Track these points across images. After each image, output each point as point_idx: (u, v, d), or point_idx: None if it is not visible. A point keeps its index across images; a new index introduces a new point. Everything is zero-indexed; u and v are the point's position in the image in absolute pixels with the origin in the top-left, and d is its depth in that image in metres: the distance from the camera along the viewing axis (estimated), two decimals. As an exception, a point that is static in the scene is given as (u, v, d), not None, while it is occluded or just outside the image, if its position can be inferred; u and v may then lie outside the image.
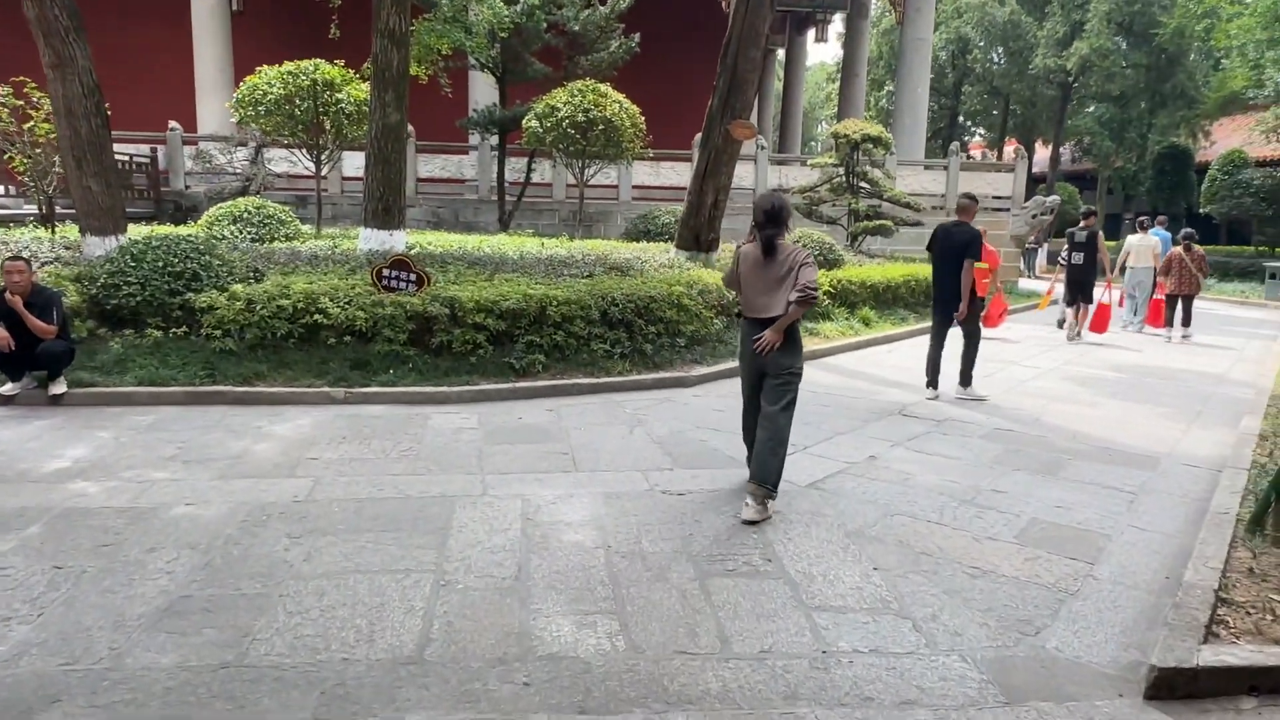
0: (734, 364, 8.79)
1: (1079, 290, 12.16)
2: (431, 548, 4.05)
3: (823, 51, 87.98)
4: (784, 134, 32.11)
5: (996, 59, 31.70)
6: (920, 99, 21.57)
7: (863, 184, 16.03)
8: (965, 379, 7.97)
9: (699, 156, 11.35)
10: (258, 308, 7.37)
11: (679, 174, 19.49)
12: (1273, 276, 18.96)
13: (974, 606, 3.62)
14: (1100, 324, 12.39)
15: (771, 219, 4.58)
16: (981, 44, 30.84)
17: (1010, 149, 33.22)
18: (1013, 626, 3.45)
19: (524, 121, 14.73)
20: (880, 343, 11.37)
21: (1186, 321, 12.89)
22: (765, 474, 4.54)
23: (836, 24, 34.48)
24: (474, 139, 19.28)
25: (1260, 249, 23.89)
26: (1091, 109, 31.06)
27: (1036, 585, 3.84)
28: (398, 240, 10.10)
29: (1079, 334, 12.13)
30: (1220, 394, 8.55)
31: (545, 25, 15.69)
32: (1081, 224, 12.68)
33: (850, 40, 26.21)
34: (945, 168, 20.20)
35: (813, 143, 53.34)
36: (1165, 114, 28.25)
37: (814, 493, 5.06)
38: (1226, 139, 29.02)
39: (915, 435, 6.47)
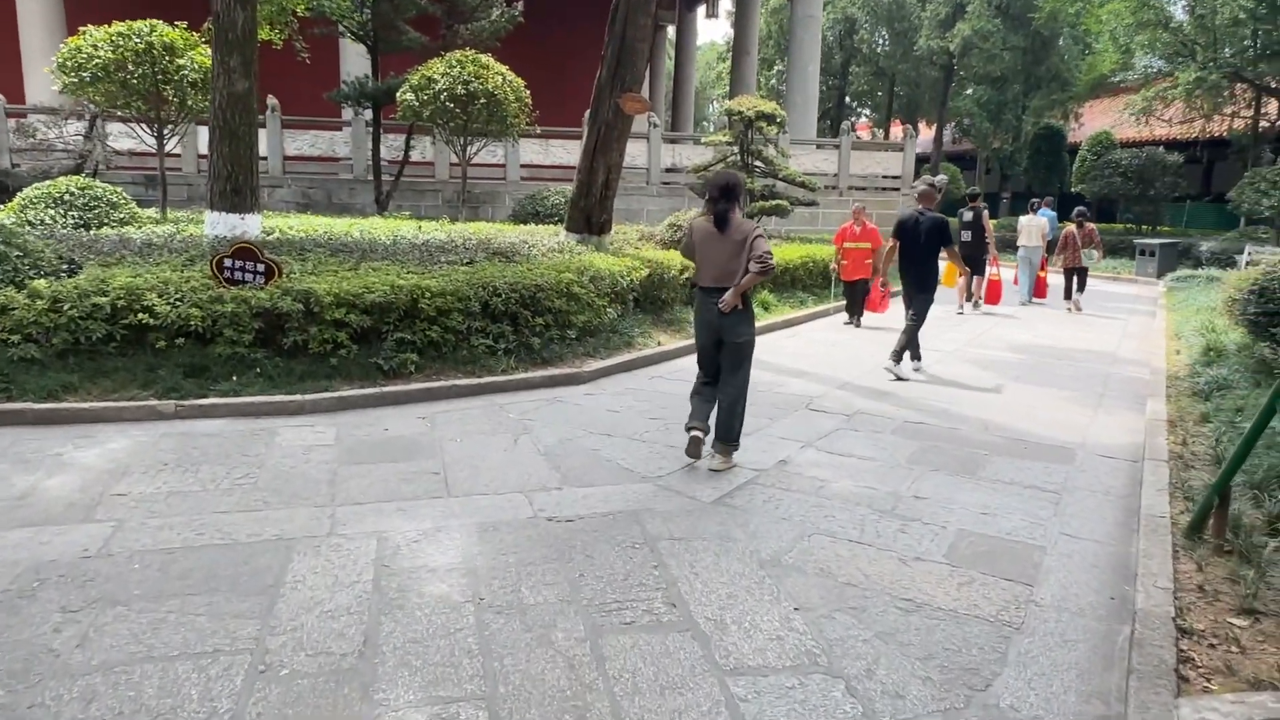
0: (629, 356, 8.18)
1: (973, 264, 12.91)
2: (254, 616, 3.23)
3: (713, 30, 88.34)
4: (676, 113, 31.63)
5: (882, 40, 32.13)
6: (811, 77, 21.42)
7: (758, 163, 15.65)
8: (897, 357, 8.01)
9: (588, 132, 10.61)
10: (66, 307, 6.20)
11: (570, 152, 18.69)
12: (1142, 253, 19.78)
13: (912, 654, 3.09)
14: (993, 296, 13.09)
15: (725, 194, 4.93)
16: (868, 24, 31.16)
17: (897, 130, 33.84)
18: (959, 679, 2.94)
19: (398, 94, 13.60)
20: (780, 328, 10.97)
21: (1081, 289, 13.77)
22: (730, 434, 5.13)
23: (726, 3, 34.22)
24: (348, 114, 17.91)
25: (1128, 226, 25.04)
26: (970, 91, 31.94)
27: (977, 620, 3.35)
28: (251, 225, 8.95)
29: (976, 302, 13.10)
30: (1117, 374, 8.50)
31: (419, -10, 14.56)
32: (969, 204, 13.34)
33: (740, 17, 25.87)
34: (837, 147, 20.13)
35: (705, 123, 53.25)
36: (1039, 96, 29.22)
37: (722, 510, 4.47)
38: (1095, 121, 30.34)
39: (825, 433, 5.99)
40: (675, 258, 10.58)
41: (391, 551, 3.83)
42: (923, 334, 10.22)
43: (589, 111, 10.61)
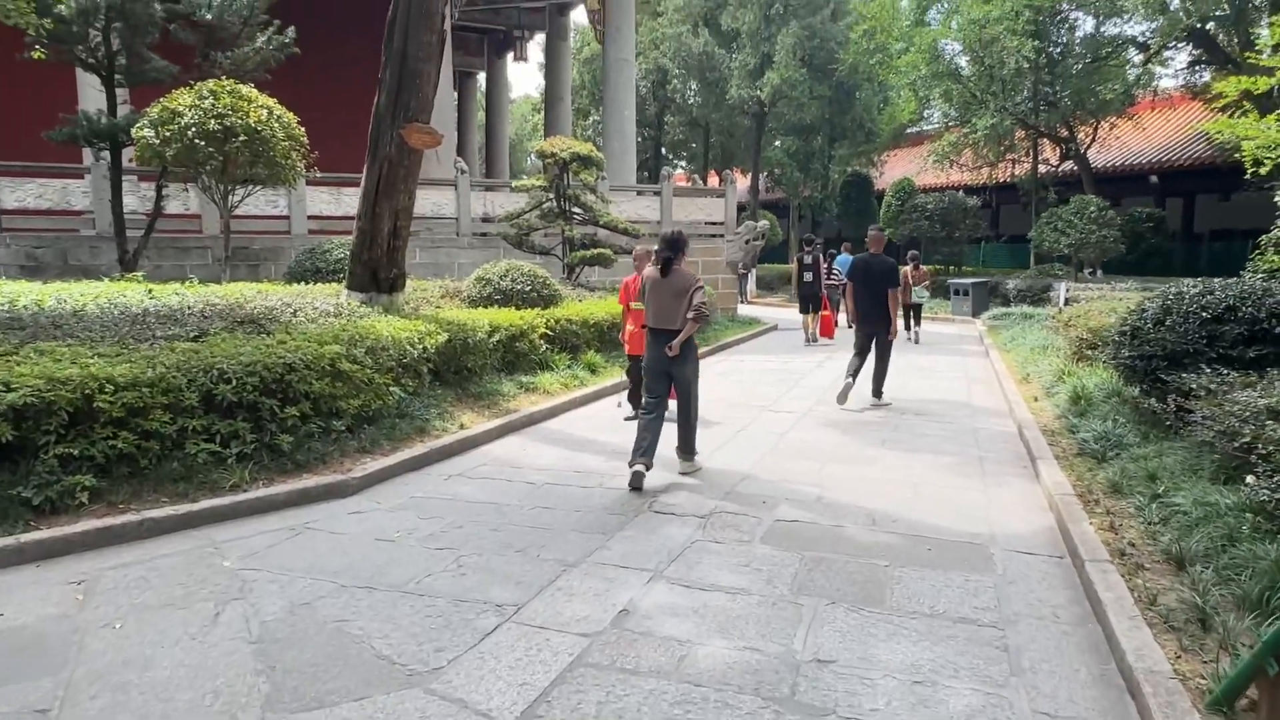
0: (421, 449, 6.38)
1: (811, 303, 14.74)
2: None
3: (527, 82, 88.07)
4: (490, 163, 30.12)
5: (694, 90, 32.28)
6: (627, 121, 20.58)
7: (576, 209, 14.29)
8: (878, 391, 8.72)
9: (368, 172, 8.76)
10: None
11: (365, 201, 16.59)
12: (956, 293, 20.23)
13: None
14: (827, 330, 14.88)
15: (670, 246, 5.80)
16: (680, 74, 31.18)
17: (714, 180, 34.03)
18: None
19: (134, 130, 11.12)
20: (610, 392, 9.47)
21: (918, 322, 15.45)
22: (689, 449, 6.05)
23: (538, 54, 33.32)
24: (89, 159, 14.93)
25: (936, 267, 25.93)
26: (779, 142, 32.67)
27: None
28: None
29: (814, 338, 14.74)
30: (985, 429, 7.61)
31: (164, 13, 12.17)
32: (806, 249, 15.10)
33: (551, 64, 24.87)
34: (658, 193, 19.25)
35: (522, 175, 52.10)
36: (845, 145, 30.22)
37: (533, 733, 2.77)
38: (896, 168, 31.78)
39: (678, 551, 4.44)
40: (483, 318, 8.87)
41: None
42: (769, 394, 9.10)
43: (368, 147, 8.78)
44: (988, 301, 19.99)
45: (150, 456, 5.11)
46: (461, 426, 7.10)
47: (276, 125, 11.11)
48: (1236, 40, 21.19)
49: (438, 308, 10.06)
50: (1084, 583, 3.95)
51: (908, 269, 14.48)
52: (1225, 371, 5.64)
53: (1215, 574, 3.66)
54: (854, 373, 8.66)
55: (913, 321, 15.09)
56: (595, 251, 13.42)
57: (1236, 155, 19.56)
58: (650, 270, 5.93)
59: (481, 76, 32.89)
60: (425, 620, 3.58)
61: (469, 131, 33.85)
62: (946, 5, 22.04)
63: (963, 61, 22.58)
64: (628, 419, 7.61)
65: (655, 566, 4.21)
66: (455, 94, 32.51)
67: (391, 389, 6.75)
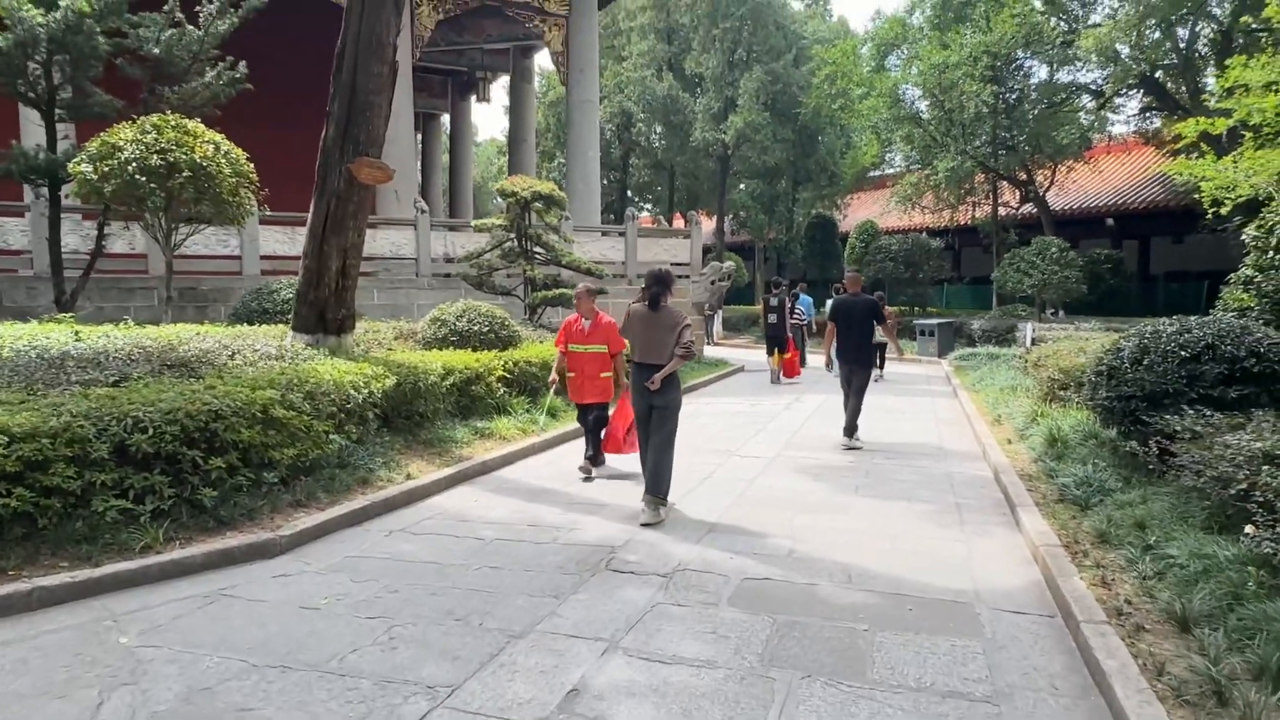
0: (361, 502, 5.91)
1: (777, 343, 14.85)
2: None
3: (493, 125, 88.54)
4: (454, 205, 29.82)
5: (659, 134, 32.43)
6: (592, 162, 20.43)
7: (538, 249, 13.98)
8: (849, 432, 8.56)
9: (315, 207, 8.35)
10: None
11: (321, 241, 16.15)
12: (922, 333, 20.20)
13: None
14: (791, 370, 15.04)
15: (657, 281, 5.94)
16: (644, 118, 31.32)
17: (680, 222, 34.07)
18: None
19: (70, 166, 10.62)
20: (573, 437, 9.05)
21: (881, 364, 15.26)
22: (659, 487, 5.75)
23: (503, 96, 33.28)
24: (30, 196, 14.34)
25: (902, 309, 25.99)
26: (743, 185, 32.89)
27: None
28: None
29: (779, 378, 14.74)
30: (960, 474, 7.31)
31: (109, 47, 11.76)
32: (774, 292, 15.25)
33: (515, 106, 24.77)
34: (623, 234, 19.05)
35: (487, 216, 51.86)
36: (808, 189, 30.48)
37: None
38: (859, 211, 32.10)
39: (637, 616, 4.02)
40: (436, 360, 8.45)
41: None
42: (736, 438, 8.77)
43: (315, 182, 8.38)
44: (953, 342, 19.97)
45: (50, 515, 4.59)
46: (409, 476, 6.62)
47: (223, 161, 10.68)
48: (1185, 88, 21.77)
49: (390, 350, 9.62)
50: (1081, 647, 3.59)
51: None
52: (1209, 412, 5.41)
53: (1225, 638, 3.33)
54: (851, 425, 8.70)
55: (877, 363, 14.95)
56: (557, 292, 13.08)
57: (1194, 196, 19.90)
58: (639, 306, 5.99)
59: (446, 119, 32.74)
60: (343, 708, 3.11)
61: (433, 173, 33.60)
62: (906, 52, 22.39)
63: (923, 106, 22.92)
64: (585, 479, 7.09)
65: (611, 635, 3.78)
66: (420, 135, 32.33)
67: (332, 437, 6.27)
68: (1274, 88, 10.61)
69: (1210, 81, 22.53)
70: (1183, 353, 5.92)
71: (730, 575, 4.61)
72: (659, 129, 31.77)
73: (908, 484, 6.91)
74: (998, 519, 5.83)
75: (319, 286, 8.51)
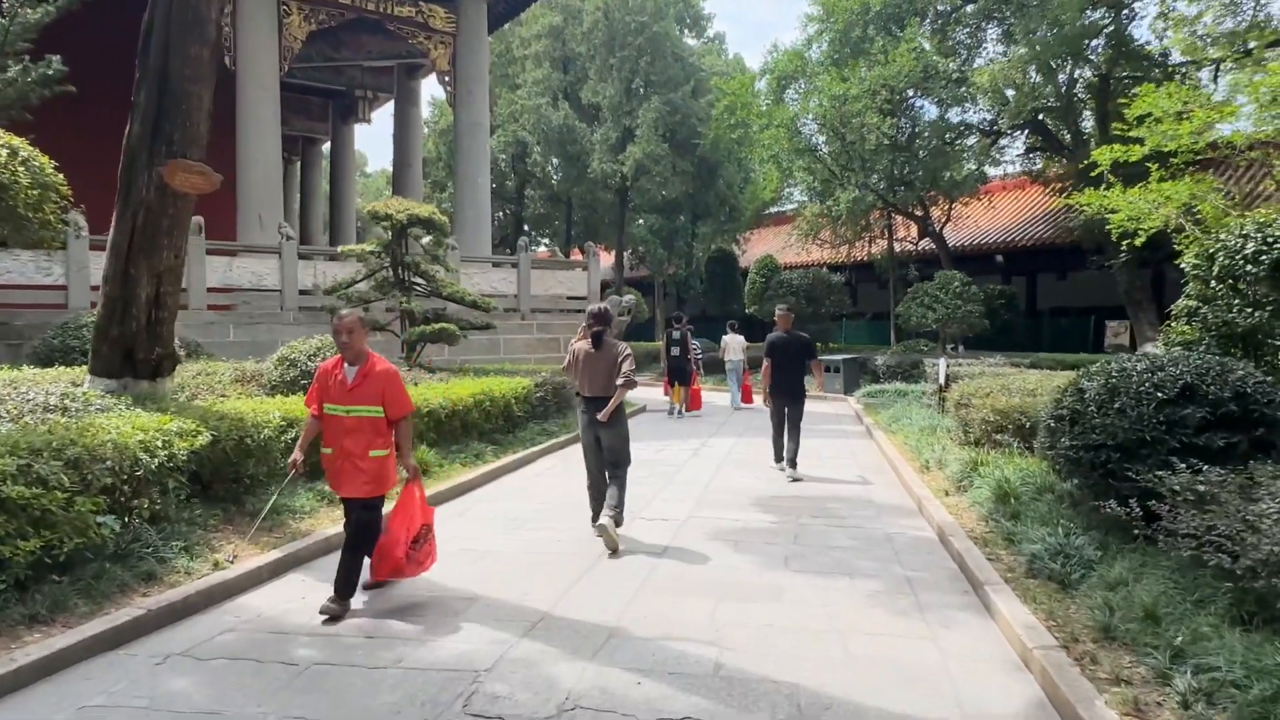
0: (135, 612, 4.31)
1: (680, 376, 15.07)
2: None
3: (383, 157, 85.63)
4: (335, 235, 27.78)
5: (556, 165, 31.37)
6: (481, 189, 19.10)
7: (417, 280, 12.51)
8: (793, 461, 8.68)
9: (117, 222, 6.71)
10: None
11: (165, 270, 14.15)
12: (827, 370, 19.61)
13: None
14: (695, 403, 15.27)
15: (598, 319, 6.08)
16: (540, 148, 30.21)
17: (578, 257, 32.99)
18: None
19: None
20: (448, 497, 7.62)
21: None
22: (618, 507, 6.04)
23: (390, 122, 31.50)
24: None
25: (813, 346, 25.53)
26: (642, 220, 32.15)
27: None
28: None
29: (681, 411, 14.87)
30: (900, 536, 6.28)
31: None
32: (675, 326, 15.51)
33: (401, 129, 23.20)
34: (515, 265, 17.73)
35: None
36: (708, 223, 29.99)
37: None
38: (758, 247, 31.80)
39: (503, 805, 2.69)
40: (274, 408, 6.89)
41: None
42: (640, 495, 7.50)
43: (118, 190, 6.75)
44: (859, 378, 19.45)
45: None
46: (216, 565, 5.06)
47: (21, 170, 8.84)
48: (1067, 130, 22.33)
49: (224, 396, 7.97)
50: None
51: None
52: (1201, 466, 4.54)
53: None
54: (781, 448, 8.94)
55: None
56: (437, 327, 11.62)
57: (1076, 234, 20.08)
58: (583, 344, 6.16)
59: (330, 146, 30.74)
60: None
61: (314, 202, 31.44)
62: (804, 86, 22.14)
63: (822, 140, 22.71)
64: (326, 622, 4.41)
65: None
66: (300, 161, 30.21)
67: (102, 519, 4.67)
68: (1183, 116, 10.42)
69: (1089, 125, 23.38)
70: (1159, 394, 5.08)
71: (643, 711, 3.33)
72: (555, 160, 30.71)
73: (844, 551, 5.82)
74: (961, 600, 4.78)
75: (124, 319, 6.86)
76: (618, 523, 5.93)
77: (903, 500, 7.61)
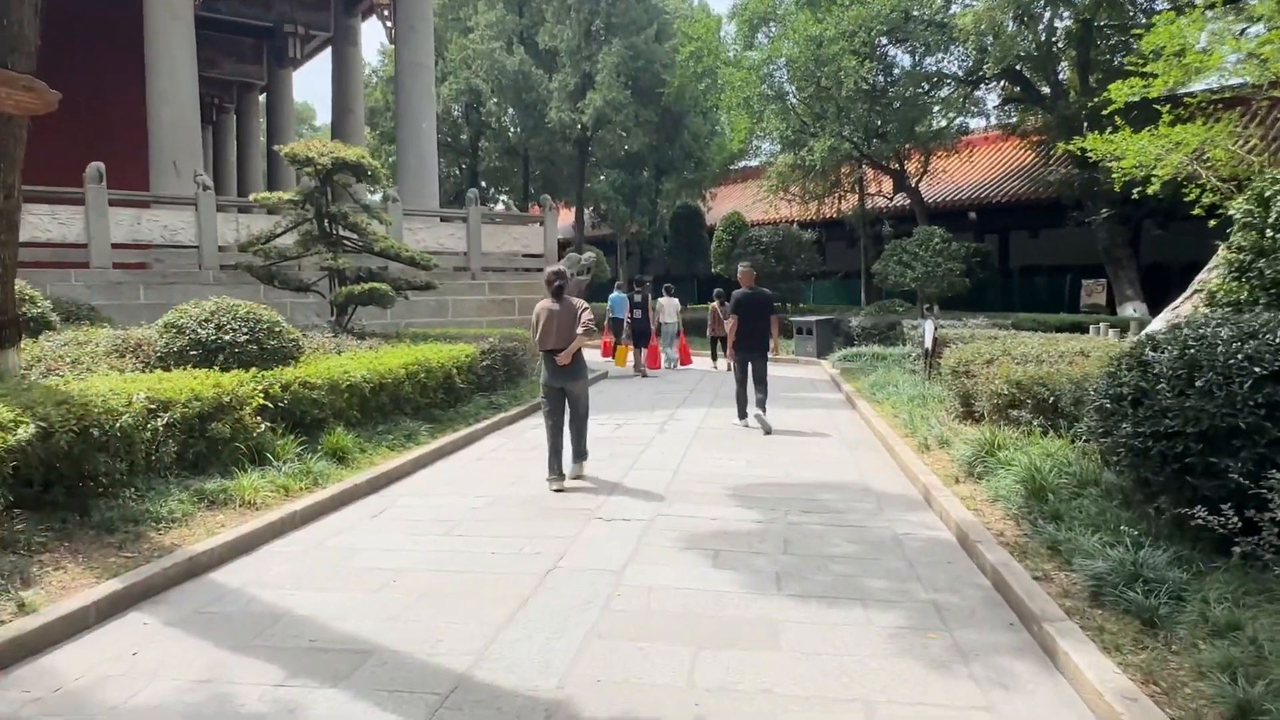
0: None
1: (641, 338, 15.58)
2: None
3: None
4: (272, 188, 25.80)
5: (512, 115, 29.55)
6: (426, 135, 17.46)
7: (347, 234, 11.06)
8: (761, 404, 9.08)
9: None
10: None
11: (60, 221, 12.52)
12: (799, 331, 18.52)
13: None
14: (653, 361, 15.81)
15: (558, 277, 6.69)
16: (495, 97, 28.37)
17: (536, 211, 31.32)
18: None
19: None
20: (365, 493, 6.35)
21: (715, 355, 16.82)
22: (582, 452, 6.89)
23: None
24: None
25: (776, 305, 24.45)
26: (604, 176, 30.55)
27: None
28: None
29: (644, 371, 15.23)
30: (913, 540, 5.17)
31: None
32: (636, 289, 15.82)
33: (340, 72, 21.30)
34: (465, 219, 16.24)
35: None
36: (673, 179, 28.57)
37: None
38: (724, 205, 30.48)
39: None
40: (139, 389, 5.53)
41: None
42: (602, 483, 6.26)
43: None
44: (832, 341, 18.42)
45: None
46: (21, 607, 3.76)
47: None
48: (1045, 83, 21.29)
49: (88, 372, 6.57)
50: None
51: (714, 304, 16.34)
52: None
53: None
54: (745, 405, 9.33)
55: (720, 354, 16.30)
56: (367, 287, 10.22)
57: (1078, 186, 19.02)
58: (545, 301, 6.65)
59: (267, 95, 28.54)
60: None
61: (251, 155, 29.27)
62: (776, 30, 20.72)
63: (794, 90, 21.38)
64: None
65: None
66: (232, 108, 28.08)
67: None
68: (1207, 50, 9.33)
69: (1068, 77, 22.35)
70: (1255, 369, 3.98)
71: None
72: (511, 110, 28.95)
73: (848, 563, 4.69)
74: (1012, 641, 3.67)
75: (-59, 277, 5.40)
76: (583, 465, 6.87)
77: (905, 488, 6.52)
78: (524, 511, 5.84)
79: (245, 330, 7.15)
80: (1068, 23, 20.14)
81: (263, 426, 6.44)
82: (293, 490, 5.93)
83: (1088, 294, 21.73)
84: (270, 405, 6.58)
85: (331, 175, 10.49)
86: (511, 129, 30.23)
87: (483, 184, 35.27)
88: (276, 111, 26.23)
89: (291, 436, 6.65)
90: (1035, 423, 6.47)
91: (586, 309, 6.61)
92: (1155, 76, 9.25)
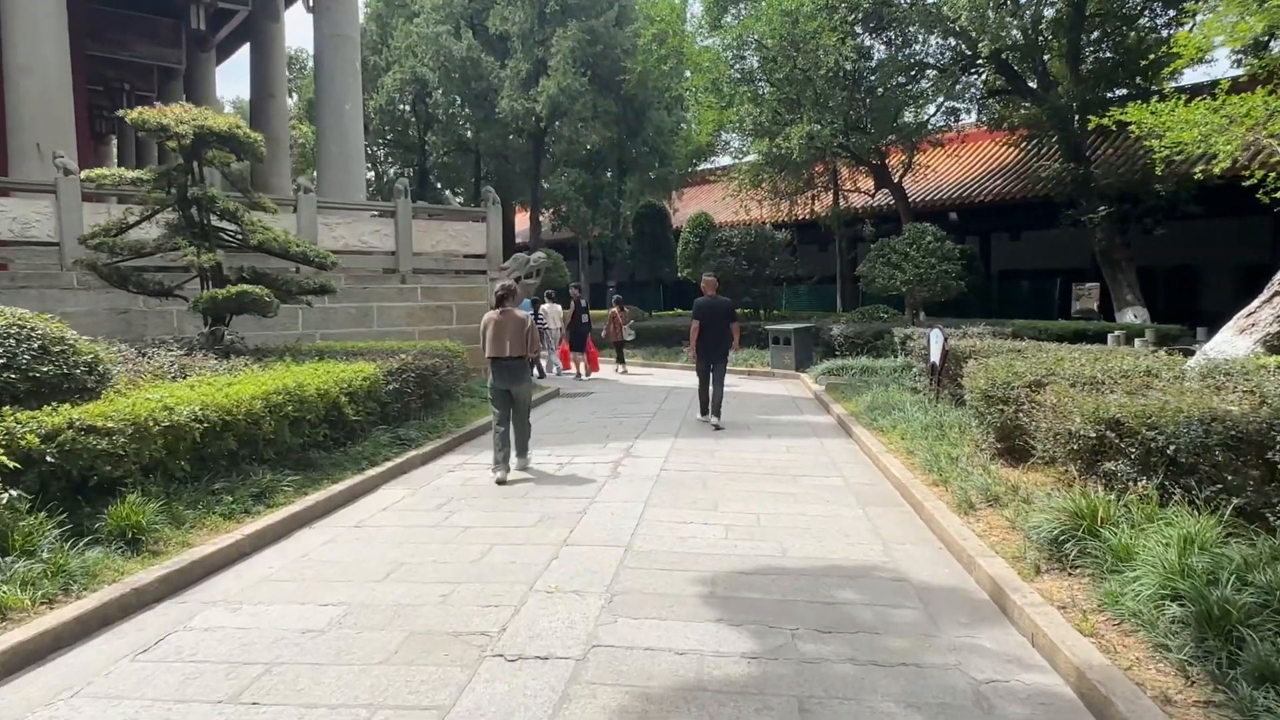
0: None
1: (582, 342, 15.63)
2: None
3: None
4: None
5: (461, 105, 27.28)
6: (350, 118, 15.23)
7: (223, 226, 8.85)
8: (718, 411, 9.78)
9: None
10: None
11: None
12: (775, 341, 16.58)
13: None
14: (594, 364, 15.97)
15: (508, 292, 7.32)
16: (441, 86, 26.10)
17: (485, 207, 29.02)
18: None
19: None
20: (151, 599, 4.19)
21: (621, 360, 17.19)
22: (525, 451, 7.43)
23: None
24: None
25: (745, 312, 22.49)
26: (564, 175, 28.38)
27: None
28: None
29: (585, 374, 15.53)
30: (1004, 692, 3.16)
31: None
32: (577, 293, 15.85)
33: (259, 50, 18.98)
34: (393, 214, 14.03)
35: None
36: (636, 179, 26.55)
37: None
38: (694, 204, 28.55)
39: None
40: None
41: None
42: (506, 580, 4.08)
43: None
44: (812, 351, 16.50)
45: None
46: None
47: None
48: (1032, 74, 19.71)
49: None
50: None
51: (614, 309, 17.02)
52: None
53: None
54: (707, 404, 9.94)
55: (622, 359, 17.19)
56: (235, 290, 7.99)
57: (1071, 182, 17.30)
58: (492, 312, 7.26)
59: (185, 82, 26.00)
60: None
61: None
62: (746, 8, 18.82)
63: (766, 72, 19.53)
64: None
65: None
66: (153, 96, 25.47)
67: None
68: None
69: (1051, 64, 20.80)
70: None
71: None
72: (459, 99, 26.69)
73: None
74: None
75: None
76: (527, 463, 7.40)
77: (959, 578, 4.51)
78: (384, 641, 3.73)
79: (4, 354, 4.93)
80: (1055, 9, 18.56)
81: (3, 498, 4.25)
82: (51, 598, 3.77)
83: (1078, 299, 20.06)
84: (20, 466, 4.39)
85: (198, 149, 8.27)
86: (461, 121, 27.99)
87: (438, 185, 32.95)
88: (198, 99, 23.71)
89: (61, 513, 4.46)
90: (1140, 479, 4.50)
91: (534, 329, 7.26)
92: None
